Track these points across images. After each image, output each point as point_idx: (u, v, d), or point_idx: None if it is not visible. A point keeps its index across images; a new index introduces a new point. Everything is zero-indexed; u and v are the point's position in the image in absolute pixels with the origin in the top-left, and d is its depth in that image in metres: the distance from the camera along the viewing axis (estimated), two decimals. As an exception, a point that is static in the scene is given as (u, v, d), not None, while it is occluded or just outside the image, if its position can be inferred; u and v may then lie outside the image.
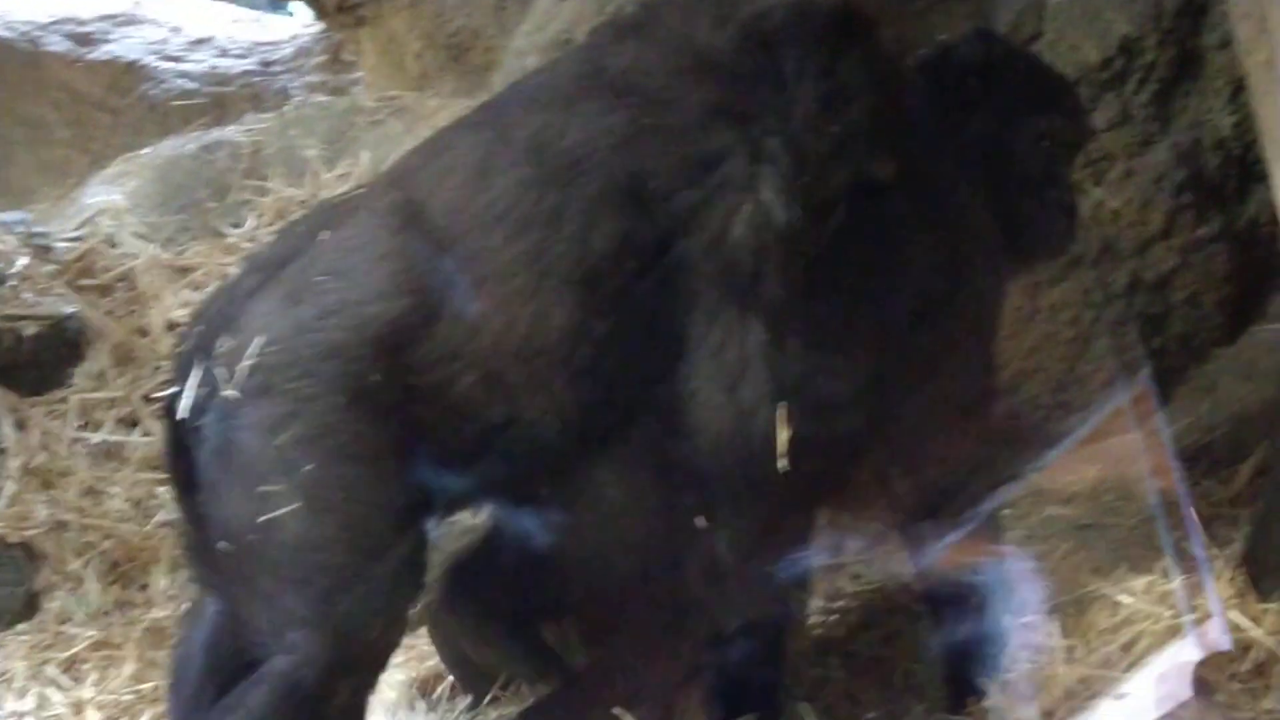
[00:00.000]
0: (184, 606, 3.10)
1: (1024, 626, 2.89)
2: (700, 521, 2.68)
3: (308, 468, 2.47)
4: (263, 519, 2.47)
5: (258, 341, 2.52)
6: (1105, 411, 3.45)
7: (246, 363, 2.52)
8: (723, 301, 2.60)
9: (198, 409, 2.52)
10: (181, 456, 2.60)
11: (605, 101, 2.63)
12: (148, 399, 3.68)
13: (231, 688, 2.69)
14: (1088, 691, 2.80)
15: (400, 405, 2.51)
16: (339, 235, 2.64)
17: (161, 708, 3.00)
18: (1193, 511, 3.12)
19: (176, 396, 2.56)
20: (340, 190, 4.12)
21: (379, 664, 2.58)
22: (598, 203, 2.54)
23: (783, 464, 2.55)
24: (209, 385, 2.52)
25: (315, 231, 2.66)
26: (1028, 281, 3.52)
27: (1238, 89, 3.43)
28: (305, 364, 2.53)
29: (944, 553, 2.86)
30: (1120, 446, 3.37)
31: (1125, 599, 3.01)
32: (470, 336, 2.44)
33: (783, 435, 2.56)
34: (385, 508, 2.51)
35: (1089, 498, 3.49)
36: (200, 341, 2.61)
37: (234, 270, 3.56)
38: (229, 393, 2.51)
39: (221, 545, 2.55)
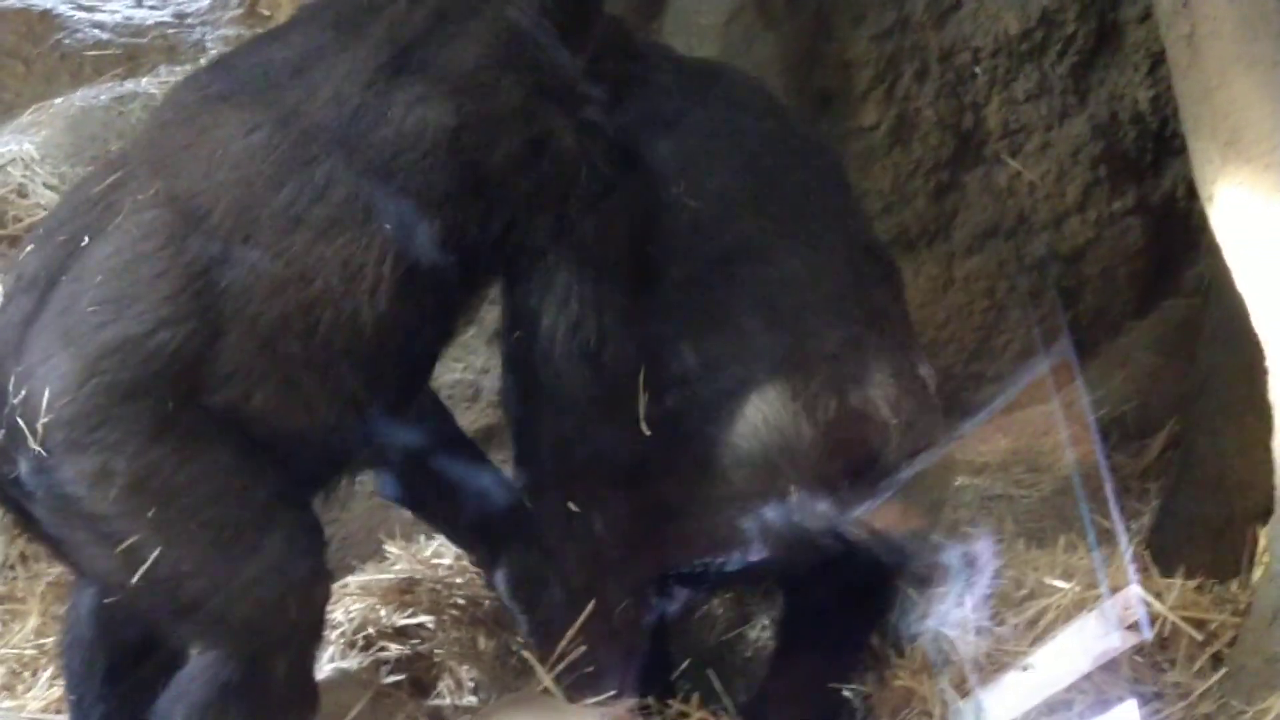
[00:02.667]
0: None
1: (933, 597, 2.91)
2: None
3: (150, 513, 2.46)
4: (136, 576, 2.48)
5: (48, 394, 2.48)
6: (1018, 383, 3.57)
7: (44, 419, 2.46)
8: (565, 263, 2.65)
9: (5, 454, 2.51)
10: (7, 497, 2.61)
11: (418, 89, 2.63)
12: None
13: (133, 660, 2.82)
14: (994, 664, 2.83)
15: (209, 421, 2.52)
16: (105, 248, 2.57)
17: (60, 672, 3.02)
18: (1108, 485, 3.18)
19: None
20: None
21: (312, 631, 2.62)
22: (425, 197, 2.55)
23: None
24: (13, 432, 2.49)
25: (77, 237, 2.59)
26: (943, 251, 3.58)
27: (1156, 63, 3.57)
28: (101, 412, 2.50)
29: (855, 524, 2.81)
30: (1033, 418, 3.54)
31: (1033, 572, 3.02)
32: (262, 348, 2.45)
33: (643, 399, 2.64)
34: (240, 513, 2.52)
35: (1000, 469, 3.53)
36: None
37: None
38: (38, 449, 2.48)
39: (107, 597, 2.61)
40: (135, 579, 2.41)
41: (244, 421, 2.49)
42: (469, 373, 3.59)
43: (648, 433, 2.67)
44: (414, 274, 2.49)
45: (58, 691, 3.04)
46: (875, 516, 2.83)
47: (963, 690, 2.80)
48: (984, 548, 3.06)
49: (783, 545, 2.77)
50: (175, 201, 2.50)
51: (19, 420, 2.42)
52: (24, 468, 2.44)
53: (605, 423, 2.76)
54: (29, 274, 2.59)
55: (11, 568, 3.37)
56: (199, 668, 2.55)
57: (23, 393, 2.42)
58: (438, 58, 2.59)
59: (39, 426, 2.41)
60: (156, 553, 2.41)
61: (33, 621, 3.22)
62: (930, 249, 3.61)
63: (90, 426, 2.43)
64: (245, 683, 2.55)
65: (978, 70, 3.68)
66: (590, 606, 2.79)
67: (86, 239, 2.51)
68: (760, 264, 2.79)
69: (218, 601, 2.51)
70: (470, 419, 3.42)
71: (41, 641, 3.17)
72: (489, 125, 2.55)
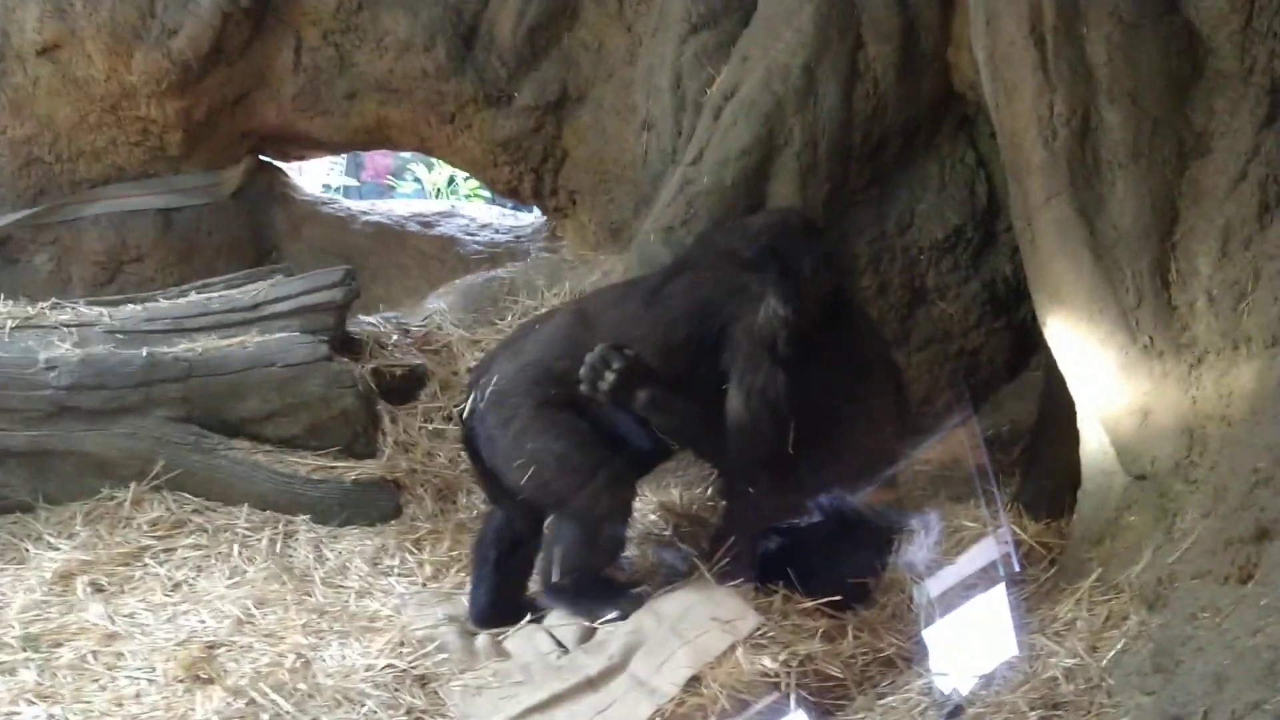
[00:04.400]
0: (484, 510, 4.30)
1: (899, 542, 4.02)
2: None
3: (528, 445, 3.61)
4: (525, 478, 3.59)
5: (494, 380, 3.66)
6: (946, 420, 4.70)
7: (488, 390, 3.66)
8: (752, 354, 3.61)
9: (472, 413, 3.72)
10: (469, 439, 3.81)
11: (688, 274, 3.76)
12: (457, 408, 4.43)
13: (510, 554, 3.89)
14: (936, 565, 3.84)
15: (569, 407, 3.64)
16: (542, 327, 3.82)
17: (465, 566, 4.19)
18: (992, 472, 4.29)
19: (464, 408, 3.79)
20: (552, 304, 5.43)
21: (625, 510, 3.68)
22: (680, 315, 3.64)
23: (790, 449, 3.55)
24: (476, 401, 3.70)
25: (533, 324, 3.92)
26: (905, 350, 4.86)
27: (1014, 251, 4.61)
28: (514, 391, 3.65)
29: (862, 499, 3.95)
30: (953, 438, 4.59)
31: (956, 519, 4.11)
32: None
33: (791, 435, 3.58)
34: (580, 454, 3.60)
35: (935, 462, 4.57)
36: (474, 378, 3.84)
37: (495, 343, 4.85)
38: (481, 405, 3.68)
39: (518, 490, 3.62)
40: (524, 481, 3.59)
41: (590, 414, 3.65)
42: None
43: (791, 452, 3.58)
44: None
45: (462, 578, 4.17)
46: (884, 492, 4.02)
47: (920, 578, 3.85)
48: (931, 506, 4.27)
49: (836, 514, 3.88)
50: (579, 313, 3.84)
51: (478, 392, 3.69)
52: (475, 419, 3.70)
53: (772, 443, 3.62)
54: (507, 338, 3.96)
55: (435, 517, 4.65)
56: (561, 532, 3.69)
57: (485, 380, 3.69)
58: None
59: (486, 394, 3.68)
60: (533, 466, 3.58)
61: (446, 543, 4.48)
62: (899, 348, 4.81)
63: (506, 396, 3.65)
64: (586, 538, 3.67)
65: (922, 257, 4.98)
66: (735, 538, 3.74)
67: (536, 326, 3.87)
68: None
69: (568, 497, 3.62)
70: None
71: (453, 553, 4.40)
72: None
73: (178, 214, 6.19)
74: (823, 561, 3.85)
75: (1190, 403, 3.35)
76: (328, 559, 4.28)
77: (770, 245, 3.73)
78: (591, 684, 3.43)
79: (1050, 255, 3.60)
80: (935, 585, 3.77)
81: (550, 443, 3.60)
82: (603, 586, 3.70)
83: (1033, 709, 2.92)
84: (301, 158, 6.94)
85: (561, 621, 3.72)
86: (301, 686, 3.46)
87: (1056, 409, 4.08)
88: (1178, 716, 2.58)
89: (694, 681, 3.34)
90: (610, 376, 3.51)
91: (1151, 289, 3.45)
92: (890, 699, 3.34)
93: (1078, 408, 3.67)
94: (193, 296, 5.15)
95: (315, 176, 9.02)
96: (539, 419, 3.63)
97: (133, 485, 4.57)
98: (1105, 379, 3.48)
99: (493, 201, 7.57)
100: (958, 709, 3.16)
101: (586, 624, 3.63)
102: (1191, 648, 2.71)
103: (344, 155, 9.39)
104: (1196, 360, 3.37)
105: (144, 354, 4.72)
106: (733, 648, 3.36)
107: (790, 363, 3.56)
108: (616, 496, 3.60)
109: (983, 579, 3.67)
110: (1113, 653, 3.00)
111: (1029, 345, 4.93)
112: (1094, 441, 3.64)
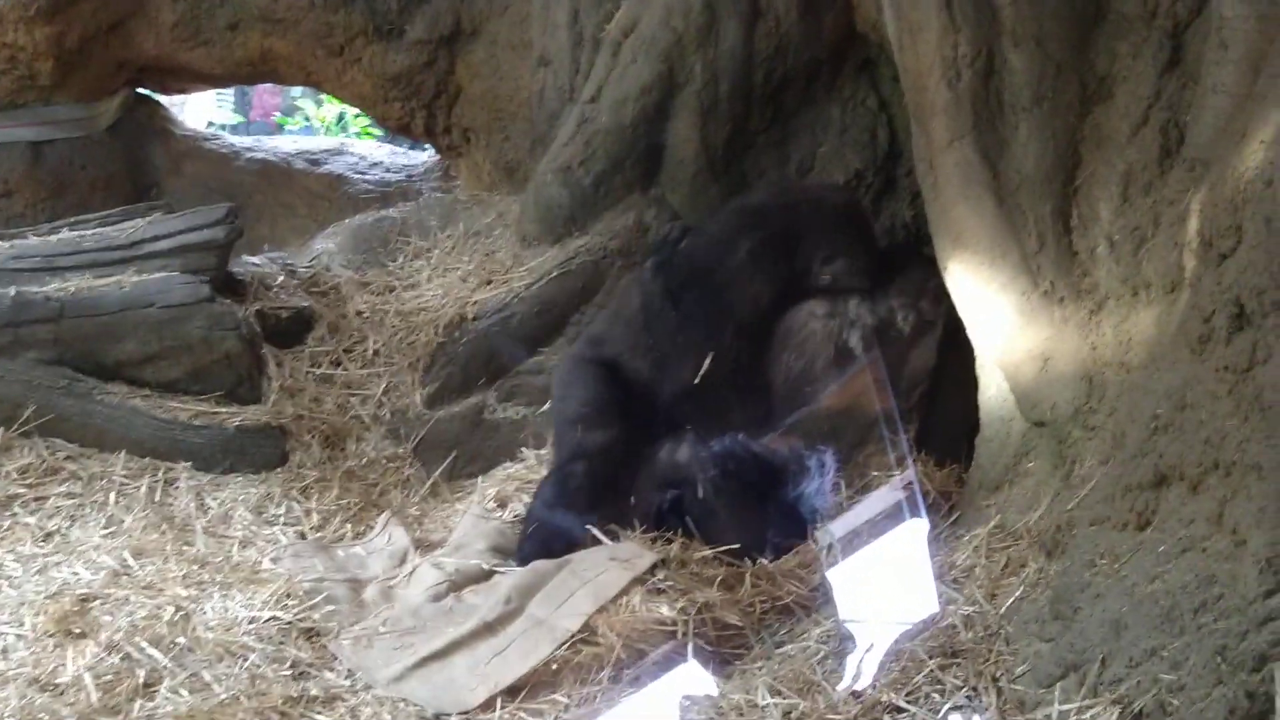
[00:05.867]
0: (373, 456, 4.73)
1: (800, 489, 4.05)
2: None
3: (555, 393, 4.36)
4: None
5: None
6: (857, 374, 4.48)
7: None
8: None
9: None
10: None
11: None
12: (346, 352, 5.05)
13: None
14: (839, 508, 3.93)
15: (603, 365, 4.20)
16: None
17: (353, 515, 4.40)
18: (900, 422, 4.24)
19: None
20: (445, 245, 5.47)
21: (600, 459, 4.04)
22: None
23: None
24: None
25: None
26: None
27: (915, 196, 4.63)
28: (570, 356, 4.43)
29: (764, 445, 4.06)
30: (855, 381, 4.42)
31: (864, 463, 4.14)
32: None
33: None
34: (584, 408, 4.15)
35: (837, 408, 4.33)
36: None
37: (394, 285, 5.13)
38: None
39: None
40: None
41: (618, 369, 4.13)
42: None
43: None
44: None
45: (350, 527, 4.33)
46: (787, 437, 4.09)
47: (821, 525, 3.90)
48: (834, 452, 4.22)
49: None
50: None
51: None
52: None
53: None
54: None
55: (322, 464, 4.67)
56: (550, 472, 4.18)
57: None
58: None
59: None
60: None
61: (334, 491, 4.54)
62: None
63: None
64: (560, 474, 4.09)
65: None
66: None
67: None
68: None
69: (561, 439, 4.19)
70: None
71: (340, 501, 4.47)
72: None
73: (49, 147, 6.02)
74: (722, 509, 3.92)
75: (1090, 349, 3.33)
76: (210, 508, 4.21)
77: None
78: (489, 628, 3.40)
79: (953, 199, 3.58)
80: (837, 531, 3.81)
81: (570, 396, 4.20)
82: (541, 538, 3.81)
83: (931, 656, 2.90)
84: (183, 91, 6.79)
85: (453, 559, 3.78)
86: (180, 640, 3.36)
87: (957, 362, 4.12)
88: (1075, 663, 2.58)
89: (590, 631, 3.31)
90: None
91: (1053, 234, 3.41)
92: (788, 647, 3.33)
93: (977, 354, 3.69)
94: (65, 234, 5.01)
95: (200, 113, 8.76)
96: (570, 375, 4.29)
97: (0, 431, 4.43)
98: (1005, 325, 3.47)
99: (384, 140, 7.43)
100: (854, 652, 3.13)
101: (482, 566, 3.71)
102: (1090, 595, 2.71)
103: (230, 92, 9.13)
104: (1097, 306, 3.35)
105: (11, 293, 4.58)
106: (631, 585, 3.35)
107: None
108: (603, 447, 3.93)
109: (884, 525, 3.72)
110: (1011, 600, 2.99)
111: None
112: (993, 388, 3.64)
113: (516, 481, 4.60)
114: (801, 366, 4.26)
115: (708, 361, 3.97)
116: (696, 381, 3.95)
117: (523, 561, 3.78)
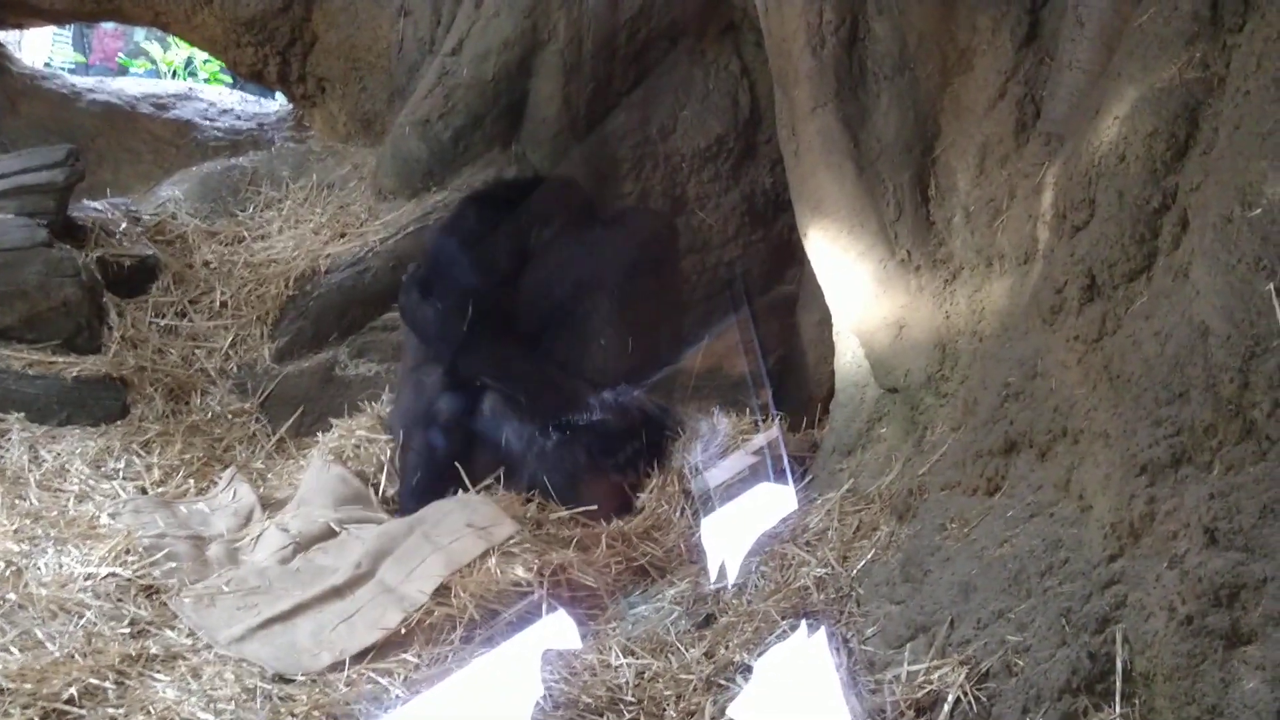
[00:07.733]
0: (218, 411, 4.65)
1: (658, 450, 4.21)
2: None
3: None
4: None
5: None
6: (710, 326, 4.91)
7: None
8: None
9: None
10: None
11: None
12: (191, 303, 4.92)
13: None
14: (712, 462, 4.06)
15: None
16: None
17: (196, 470, 4.29)
18: (752, 382, 4.57)
19: None
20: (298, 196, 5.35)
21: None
22: None
23: None
24: None
25: None
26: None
27: (775, 163, 4.68)
28: None
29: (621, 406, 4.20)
30: (718, 344, 4.84)
31: (730, 423, 4.25)
32: None
33: None
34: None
35: (699, 370, 4.73)
36: None
37: (243, 235, 5.03)
38: None
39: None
40: None
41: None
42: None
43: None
44: None
45: (193, 482, 4.21)
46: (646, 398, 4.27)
47: (678, 486, 4.04)
48: (694, 414, 4.46)
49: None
50: None
51: None
52: None
53: None
54: None
55: (165, 417, 4.54)
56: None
57: None
58: None
59: None
60: None
61: (177, 446, 4.41)
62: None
63: None
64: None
65: (684, 165, 5.00)
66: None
67: None
68: None
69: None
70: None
71: (183, 457, 4.35)
72: None
73: None
74: (579, 469, 3.98)
75: (944, 317, 3.38)
76: (44, 460, 4.04)
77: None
78: (338, 592, 3.35)
79: (814, 166, 3.59)
80: (712, 476, 3.91)
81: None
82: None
83: (784, 618, 2.95)
84: (19, 26, 6.43)
85: (296, 520, 3.71)
86: (11, 596, 3.22)
87: (811, 324, 4.31)
88: (925, 625, 2.64)
89: (444, 592, 3.28)
90: None
91: (911, 203, 3.46)
92: (642, 608, 3.35)
93: (834, 320, 3.73)
94: (-111, 172, 4.68)
95: (38, 52, 8.36)
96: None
97: None
98: (862, 292, 3.49)
99: (235, 86, 7.17)
100: (709, 618, 3.14)
101: (330, 525, 3.65)
102: (939, 558, 2.77)
103: (69, 29, 8.71)
104: (952, 275, 3.40)
105: None
106: (486, 554, 3.29)
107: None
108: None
109: (752, 473, 3.81)
110: (863, 562, 3.03)
111: (786, 259, 4.99)
112: (848, 354, 3.68)
113: (358, 435, 4.54)
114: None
115: (470, 308, 4.09)
116: (465, 329, 4.10)
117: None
